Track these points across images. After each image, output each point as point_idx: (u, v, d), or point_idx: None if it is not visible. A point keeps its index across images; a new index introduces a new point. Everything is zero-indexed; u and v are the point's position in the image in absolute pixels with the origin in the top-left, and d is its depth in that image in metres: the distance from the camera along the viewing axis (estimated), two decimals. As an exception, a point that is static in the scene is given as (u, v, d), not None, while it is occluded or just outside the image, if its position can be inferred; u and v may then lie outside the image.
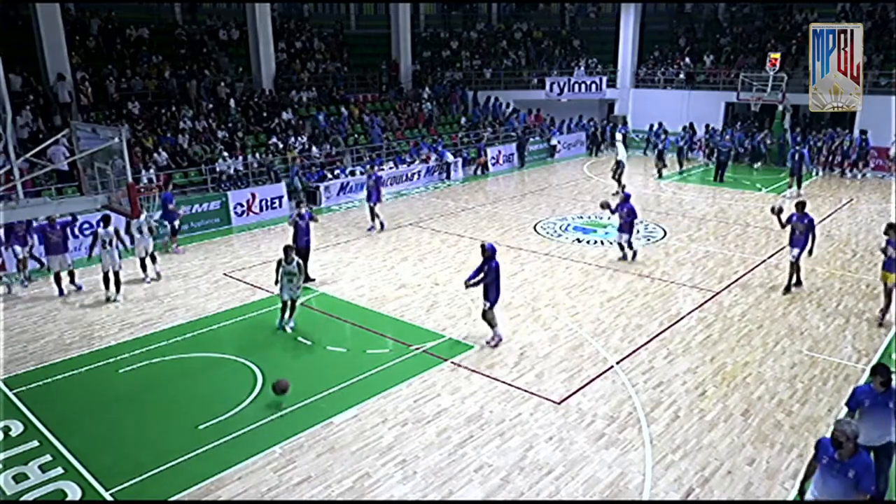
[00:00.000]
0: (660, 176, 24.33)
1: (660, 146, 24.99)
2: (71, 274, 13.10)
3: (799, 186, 20.95)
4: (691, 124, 27.92)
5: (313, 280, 13.43)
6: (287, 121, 23.34)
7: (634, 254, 14.77)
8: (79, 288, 13.17)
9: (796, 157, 20.78)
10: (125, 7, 26.45)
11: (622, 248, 14.76)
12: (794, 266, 12.71)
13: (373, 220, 17.59)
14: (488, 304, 10.32)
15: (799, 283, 12.96)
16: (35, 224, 13.61)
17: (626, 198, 14.67)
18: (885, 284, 10.98)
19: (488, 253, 10.27)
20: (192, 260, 15.35)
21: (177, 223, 16.12)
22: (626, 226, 14.42)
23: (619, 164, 21.61)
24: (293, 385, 9.29)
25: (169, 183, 17.05)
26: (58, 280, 12.88)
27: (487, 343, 10.49)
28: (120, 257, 12.78)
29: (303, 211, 13.59)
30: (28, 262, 13.75)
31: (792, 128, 26.85)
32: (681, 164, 25.50)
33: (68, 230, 12.76)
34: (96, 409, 8.89)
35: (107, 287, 12.77)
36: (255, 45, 24.81)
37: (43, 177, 16.29)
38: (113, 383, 9.57)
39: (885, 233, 10.81)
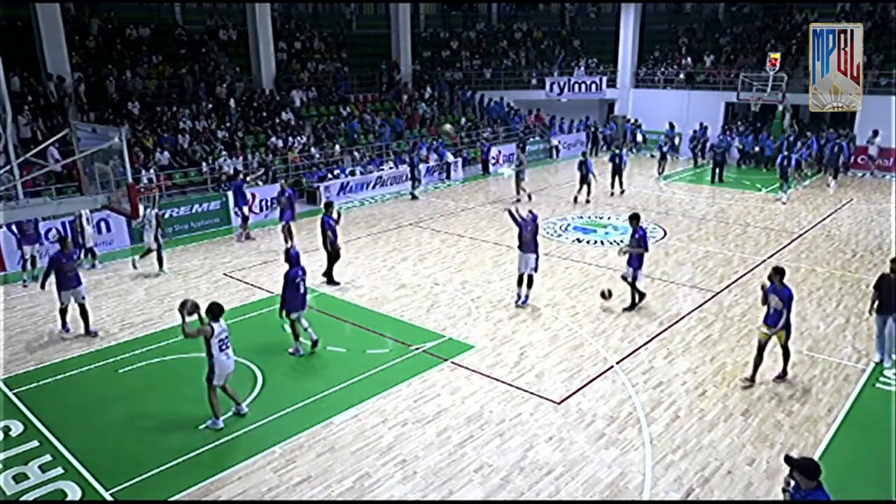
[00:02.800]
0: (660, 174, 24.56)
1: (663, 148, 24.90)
2: (84, 315, 11.08)
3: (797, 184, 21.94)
4: (670, 124, 27.98)
5: (338, 284, 13.42)
6: (287, 121, 23.34)
7: (526, 298, 12.15)
8: (94, 334, 11.13)
9: (790, 162, 20.58)
10: (125, 7, 26.47)
11: (527, 284, 12.13)
12: (632, 284, 11.81)
13: (288, 240, 15.68)
14: (285, 314, 10.03)
15: (632, 305, 11.87)
16: (42, 246, 13.86)
17: (535, 217, 12.23)
18: (760, 340, 9.15)
19: (291, 259, 10.03)
20: (191, 260, 15.35)
21: (246, 210, 17.15)
22: (532, 245, 11.93)
23: (519, 172, 20.79)
24: (293, 385, 9.32)
25: (240, 175, 18.02)
26: (63, 314, 11.12)
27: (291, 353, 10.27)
28: (156, 238, 14.20)
29: (335, 214, 13.37)
30: (38, 262, 13.84)
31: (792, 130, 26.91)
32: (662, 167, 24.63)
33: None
34: (96, 409, 8.88)
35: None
36: (255, 45, 24.82)
37: (42, 177, 16.29)
38: (113, 383, 9.58)
39: (769, 278, 9.01)
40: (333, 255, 13.42)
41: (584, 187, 20.31)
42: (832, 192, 21.69)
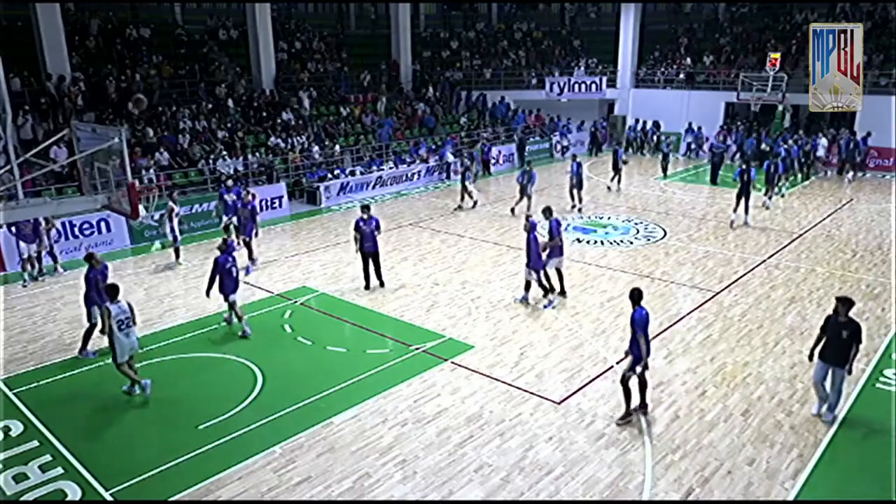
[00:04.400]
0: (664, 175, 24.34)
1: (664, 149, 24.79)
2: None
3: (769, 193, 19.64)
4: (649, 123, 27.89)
5: (382, 286, 13.07)
6: (287, 121, 23.35)
7: (553, 293, 12.14)
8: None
9: (772, 168, 19.02)
10: (125, 7, 26.46)
11: (543, 287, 12.06)
12: (558, 273, 12.29)
13: (250, 258, 14.47)
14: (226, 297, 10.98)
15: (559, 290, 12.31)
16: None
17: (533, 226, 11.85)
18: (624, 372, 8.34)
19: (225, 247, 10.89)
20: (192, 260, 15.34)
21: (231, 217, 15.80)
22: (535, 256, 11.80)
23: (465, 176, 20.01)
24: (293, 385, 9.31)
25: (237, 181, 17.46)
26: (89, 334, 10.53)
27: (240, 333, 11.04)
28: (177, 233, 14.74)
29: (366, 216, 12.85)
30: (35, 262, 13.80)
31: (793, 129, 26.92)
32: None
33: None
34: (96, 408, 8.89)
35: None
36: (255, 45, 24.83)
37: (42, 177, 16.27)
38: (113, 383, 9.56)
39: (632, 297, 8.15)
40: (363, 258, 12.97)
41: (524, 200, 18.80)
42: (848, 185, 22.55)
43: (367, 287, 13.07)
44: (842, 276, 13.56)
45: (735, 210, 17.55)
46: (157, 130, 20.41)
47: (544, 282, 12.09)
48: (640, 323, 7.97)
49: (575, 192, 19.17)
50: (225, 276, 10.79)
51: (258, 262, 14.75)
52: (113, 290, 8.77)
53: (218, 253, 10.88)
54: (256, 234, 14.71)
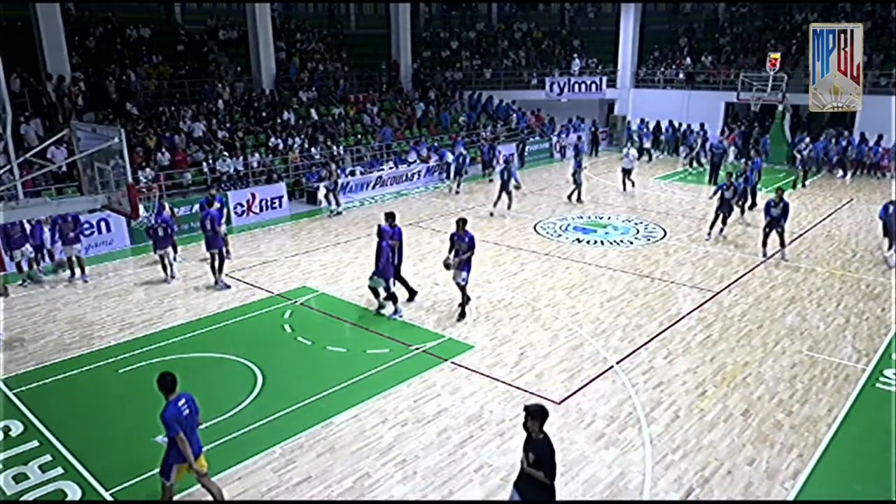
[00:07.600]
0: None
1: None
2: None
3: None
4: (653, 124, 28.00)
5: (415, 295, 12.46)
6: (287, 121, 23.34)
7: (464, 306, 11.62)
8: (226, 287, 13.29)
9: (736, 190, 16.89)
10: (125, 7, 26.48)
11: (391, 295, 11.57)
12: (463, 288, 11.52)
13: (214, 275, 13.26)
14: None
15: (463, 310, 11.61)
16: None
17: (385, 232, 11.55)
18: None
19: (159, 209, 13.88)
20: (191, 260, 15.34)
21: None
22: (385, 264, 11.37)
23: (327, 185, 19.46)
24: (293, 385, 9.31)
25: (219, 189, 17.56)
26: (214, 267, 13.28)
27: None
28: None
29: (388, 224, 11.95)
30: (33, 264, 13.74)
31: (792, 129, 26.95)
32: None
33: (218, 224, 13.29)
34: (96, 409, 8.88)
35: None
36: (255, 45, 24.84)
37: (42, 177, 16.28)
38: (113, 383, 9.57)
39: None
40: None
41: (503, 197, 18.72)
42: (847, 182, 23.51)
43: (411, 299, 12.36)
44: (842, 276, 13.56)
45: (742, 213, 18.01)
46: (159, 130, 20.43)
47: (392, 290, 11.50)
48: (171, 419, 6.15)
49: (503, 194, 18.84)
50: (152, 234, 13.53)
51: (223, 281, 13.39)
52: None
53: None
54: (225, 248, 13.38)
